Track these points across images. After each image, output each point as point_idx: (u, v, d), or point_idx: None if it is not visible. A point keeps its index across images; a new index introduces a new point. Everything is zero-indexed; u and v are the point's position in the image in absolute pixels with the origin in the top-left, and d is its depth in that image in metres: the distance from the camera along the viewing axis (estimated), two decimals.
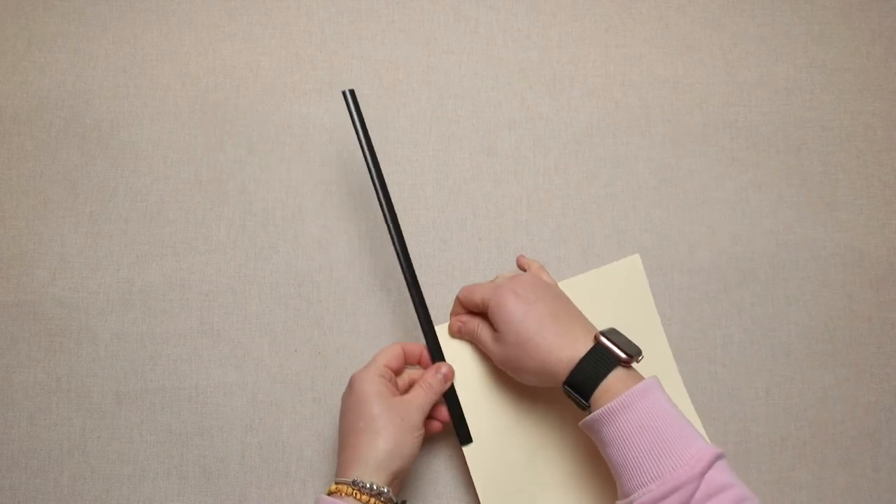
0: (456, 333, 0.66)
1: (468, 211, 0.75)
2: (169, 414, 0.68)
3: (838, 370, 0.71)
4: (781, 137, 0.78)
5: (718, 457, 0.51)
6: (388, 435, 0.57)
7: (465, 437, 0.63)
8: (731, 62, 0.80)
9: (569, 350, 0.57)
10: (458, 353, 0.66)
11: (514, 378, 0.62)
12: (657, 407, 0.53)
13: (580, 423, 0.57)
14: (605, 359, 0.56)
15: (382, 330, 0.71)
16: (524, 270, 0.67)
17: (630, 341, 0.58)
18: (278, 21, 0.80)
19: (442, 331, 0.67)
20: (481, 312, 0.64)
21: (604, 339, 0.57)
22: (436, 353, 0.64)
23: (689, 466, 0.50)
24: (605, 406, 0.54)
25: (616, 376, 0.55)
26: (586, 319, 0.61)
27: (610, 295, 0.69)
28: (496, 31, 0.80)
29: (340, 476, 0.57)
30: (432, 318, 0.65)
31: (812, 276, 0.74)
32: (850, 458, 0.69)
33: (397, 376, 0.63)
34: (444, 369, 0.63)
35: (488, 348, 0.63)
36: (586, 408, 0.56)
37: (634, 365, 0.57)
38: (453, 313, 0.67)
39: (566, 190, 0.76)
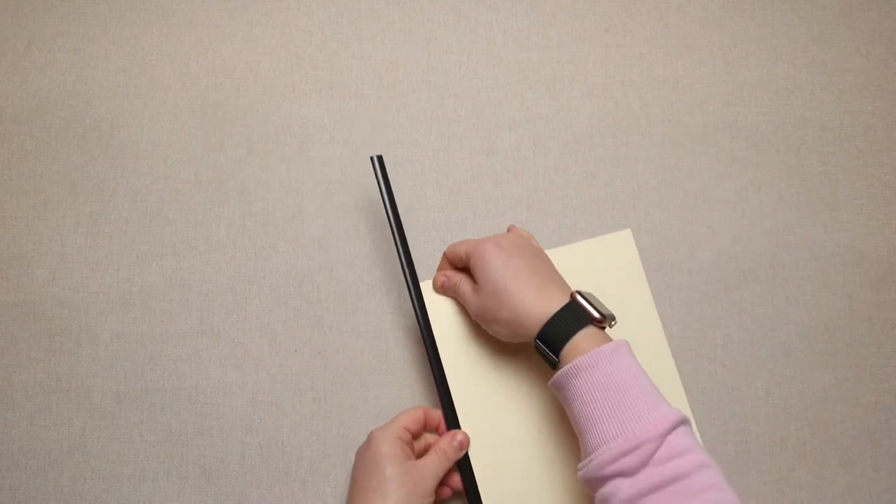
0: (439, 288, 0.67)
1: (468, 211, 0.75)
2: (169, 414, 0.68)
3: (838, 370, 0.71)
4: (781, 137, 0.78)
5: (682, 421, 0.51)
6: (398, 498, 0.56)
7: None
8: (731, 62, 0.80)
9: (543, 305, 0.57)
10: (444, 316, 0.67)
11: (489, 333, 0.63)
12: (624, 367, 0.53)
13: (549, 383, 0.57)
14: (577, 316, 0.56)
15: (382, 330, 0.71)
16: None
17: (605, 307, 0.58)
18: (278, 21, 0.80)
19: (426, 287, 0.67)
20: (465, 268, 0.65)
21: (579, 297, 0.57)
22: (452, 420, 0.64)
23: (651, 426, 0.50)
24: (573, 362, 0.54)
25: (586, 334, 0.55)
26: (565, 282, 0.61)
27: (600, 266, 0.69)
28: (496, 31, 0.80)
29: None
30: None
31: (812, 276, 0.74)
32: (850, 458, 0.69)
33: (415, 439, 0.63)
34: (459, 437, 0.62)
35: (467, 301, 0.63)
36: (555, 364, 0.57)
37: (609, 332, 0.58)
38: (439, 269, 0.68)
39: (566, 190, 0.76)
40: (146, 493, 0.66)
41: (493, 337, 0.63)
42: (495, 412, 0.65)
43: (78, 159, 0.75)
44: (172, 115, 0.76)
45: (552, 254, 0.66)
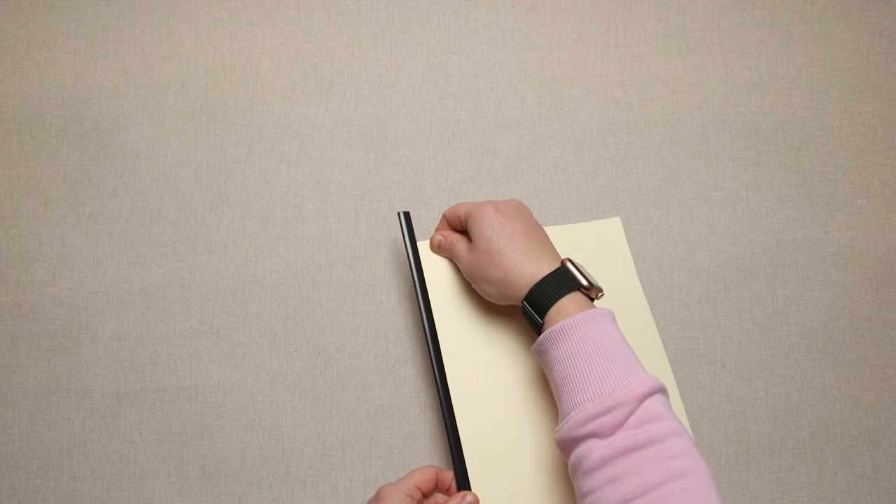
0: (436, 248, 0.68)
1: None
2: (169, 414, 0.68)
3: (838, 370, 0.71)
4: (781, 137, 0.78)
5: (660, 389, 0.52)
6: None
7: None
8: (731, 62, 0.80)
9: (533, 267, 0.58)
10: (440, 278, 0.68)
11: (478, 292, 0.64)
12: (605, 332, 0.54)
13: (532, 348, 0.58)
14: (565, 281, 0.57)
15: (382, 330, 0.71)
16: None
17: (594, 278, 0.59)
18: (278, 21, 0.80)
19: (423, 247, 0.68)
20: (463, 230, 0.66)
21: (569, 264, 0.58)
22: (462, 482, 0.63)
23: (628, 390, 0.50)
24: (557, 324, 0.55)
25: (572, 299, 0.56)
26: (557, 252, 0.62)
27: (589, 250, 0.70)
28: (496, 31, 0.80)
29: None
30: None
31: (812, 276, 0.74)
32: (850, 458, 0.69)
33: (425, 498, 0.62)
34: (469, 498, 0.62)
35: (460, 259, 0.64)
36: (540, 328, 0.57)
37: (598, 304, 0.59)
38: (437, 229, 0.68)
39: (566, 190, 0.76)
40: (146, 493, 0.66)
41: (486, 301, 0.64)
42: (485, 377, 0.66)
43: (78, 159, 0.75)
44: (172, 115, 0.76)
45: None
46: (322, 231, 0.74)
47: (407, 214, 0.67)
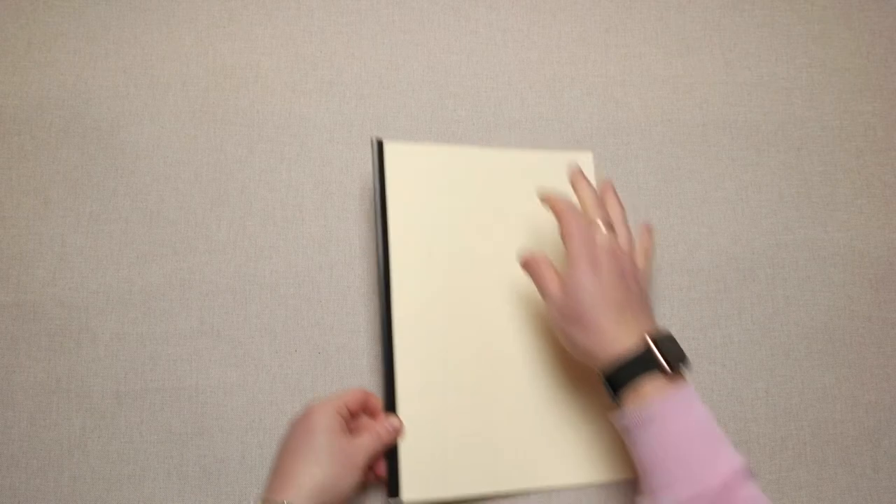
0: (523, 264, 0.64)
1: None
2: (169, 414, 0.68)
3: (838, 370, 0.71)
4: (781, 137, 0.78)
5: (745, 469, 0.52)
6: (329, 468, 0.57)
7: (393, 490, 0.63)
8: (731, 62, 0.80)
9: (616, 342, 0.57)
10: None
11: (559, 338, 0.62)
12: (691, 418, 0.54)
13: (609, 416, 0.58)
14: (645, 362, 0.56)
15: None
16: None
17: (680, 349, 0.58)
18: (278, 21, 0.80)
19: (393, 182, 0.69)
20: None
21: (651, 345, 0.56)
22: (389, 406, 0.65)
23: (714, 474, 0.51)
24: (639, 414, 0.54)
25: (651, 379, 0.55)
26: (649, 315, 0.60)
27: (556, 181, 0.68)
28: (496, 31, 0.80)
29: (271, 496, 0.57)
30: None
31: (812, 276, 0.74)
32: (850, 458, 0.69)
33: (353, 419, 0.64)
34: (395, 423, 0.64)
35: (546, 299, 0.61)
36: (615, 400, 0.57)
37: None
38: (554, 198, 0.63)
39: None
40: (146, 493, 0.66)
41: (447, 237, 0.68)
42: (433, 315, 0.67)
43: (78, 159, 0.75)
44: (172, 115, 0.76)
45: (509, 156, 0.71)
46: (322, 231, 0.74)
47: (380, 143, 0.69)
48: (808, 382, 0.71)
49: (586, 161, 0.72)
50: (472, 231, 0.71)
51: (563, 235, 0.61)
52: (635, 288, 0.60)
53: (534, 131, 0.77)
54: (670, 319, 0.72)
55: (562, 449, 0.66)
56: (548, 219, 0.65)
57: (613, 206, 0.64)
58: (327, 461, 0.58)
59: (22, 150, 0.75)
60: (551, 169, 0.71)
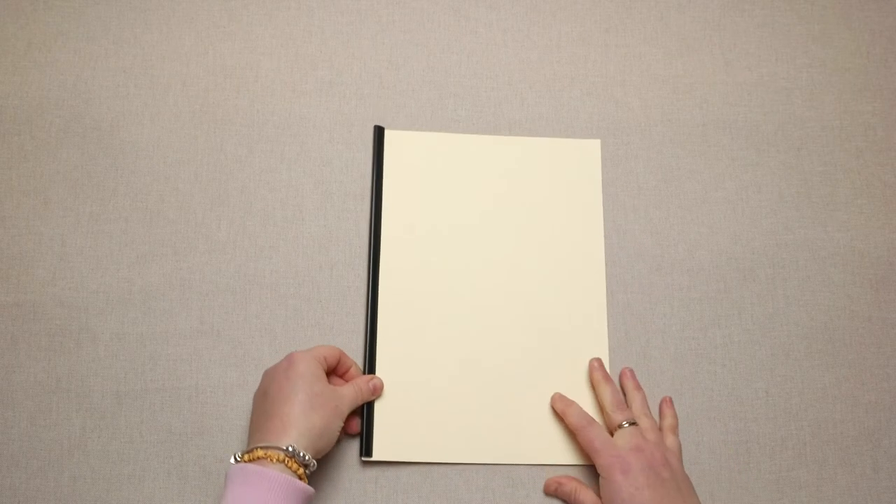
0: (552, 492, 0.66)
1: None
2: (169, 414, 0.68)
3: (838, 370, 0.71)
4: (781, 137, 0.78)
5: None
6: (324, 414, 0.59)
7: (367, 450, 0.65)
8: (731, 62, 0.80)
9: None
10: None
11: None
12: None
13: None
14: None
15: None
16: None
17: None
18: (278, 21, 0.80)
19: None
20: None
21: None
22: (369, 371, 0.68)
23: None
24: None
25: None
26: (686, 497, 0.60)
27: (561, 168, 0.72)
28: (496, 31, 0.80)
29: (268, 441, 0.57)
30: None
31: (812, 276, 0.74)
32: (850, 458, 0.69)
33: (328, 375, 0.65)
34: (377, 382, 0.66)
35: None
36: None
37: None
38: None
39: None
40: (146, 493, 0.66)
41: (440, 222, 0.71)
42: (419, 287, 0.70)
43: (78, 159, 0.75)
44: (172, 115, 0.76)
45: (518, 143, 0.73)
46: (322, 231, 0.74)
47: (380, 130, 0.72)
48: (808, 382, 0.71)
49: (594, 149, 0.73)
50: (466, 212, 0.73)
51: (587, 450, 0.63)
52: (667, 474, 0.60)
53: (534, 131, 0.77)
54: (670, 319, 0.72)
55: (534, 429, 0.67)
56: (548, 206, 0.72)
57: (634, 399, 0.67)
58: (322, 407, 0.59)
59: (22, 150, 0.75)
60: (556, 155, 0.74)
